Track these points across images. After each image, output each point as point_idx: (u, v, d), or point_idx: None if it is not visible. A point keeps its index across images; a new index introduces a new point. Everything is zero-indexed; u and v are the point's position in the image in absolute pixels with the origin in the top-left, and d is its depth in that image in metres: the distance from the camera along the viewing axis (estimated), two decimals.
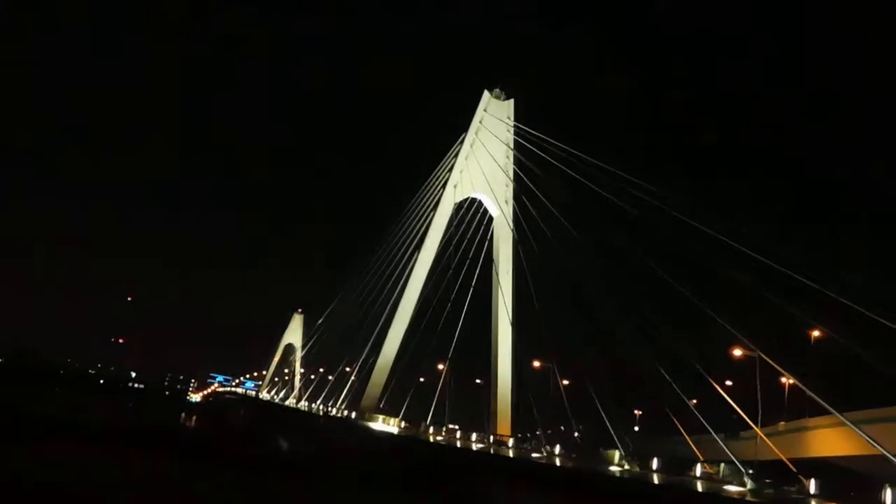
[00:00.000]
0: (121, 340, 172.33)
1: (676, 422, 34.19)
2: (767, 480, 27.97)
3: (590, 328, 42.68)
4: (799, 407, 37.02)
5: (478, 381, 57.58)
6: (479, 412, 54.37)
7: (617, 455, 32.51)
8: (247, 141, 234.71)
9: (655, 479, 28.87)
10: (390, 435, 48.08)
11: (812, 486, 24.65)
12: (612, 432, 34.44)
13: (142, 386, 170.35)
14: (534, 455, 36.80)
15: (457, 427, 52.16)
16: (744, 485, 25.57)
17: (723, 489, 25.78)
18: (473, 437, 44.73)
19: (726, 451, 28.66)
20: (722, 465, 28.21)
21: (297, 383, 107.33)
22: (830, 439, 32.96)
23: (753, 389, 36.87)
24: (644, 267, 36.03)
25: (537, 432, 44.75)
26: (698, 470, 28.76)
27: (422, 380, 60.14)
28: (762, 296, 30.70)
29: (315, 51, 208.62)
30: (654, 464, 31.01)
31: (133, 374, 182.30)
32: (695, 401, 47.09)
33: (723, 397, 37.09)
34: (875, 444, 23.64)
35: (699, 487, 26.91)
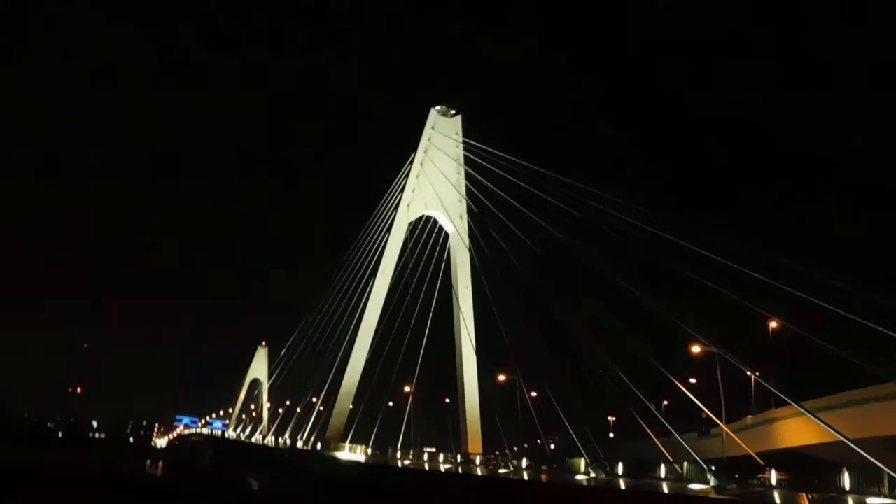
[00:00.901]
0: (78, 390, 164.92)
1: (645, 425, 33.92)
2: (736, 476, 27.87)
3: (552, 337, 42.45)
4: (768, 399, 37.43)
5: (447, 399, 56.62)
6: (449, 432, 53.44)
7: (583, 463, 32.34)
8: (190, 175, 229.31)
9: (622, 485, 28.55)
10: (357, 463, 46.88)
11: (773, 477, 24.68)
12: (577, 441, 34.02)
13: (103, 435, 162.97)
14: (500, 471, 36.19)
15: (434, 449, 50.99)
16: (707, 482, 25.45)
17: (686, 488, 25.65)
18: (441, 457, 43.69)
19: (689, 450, 28.47)
20: (685, 464, 28.03)
21: (265, 418, 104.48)
22: (796, 429, 33.24)
23: (723, 386, 37.09)
24: (601, 272, 36.05)
25: (506, 450, 43.99)
26: (662, 471, 28.57)
27: (391, 404, 59.07)
28: (721, 292, 30.71)
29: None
30: (620, 469, 30.90)
31: (94, 424, 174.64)
32: (666, 402, 47.39)
33: (702, 397, 37.33)
34: (832, 430, 23.79)
35: (664, 489, 26.69)
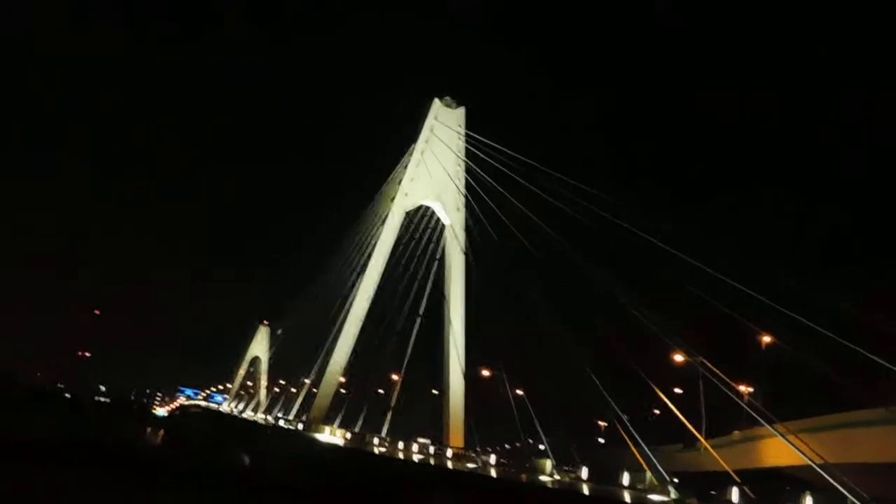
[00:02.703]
0: (87, 354, 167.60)
1: (625, 434, 33.38)
2: (712, 491, 27.46)
3: (541, 338, 42.00)
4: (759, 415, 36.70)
5: (434, 391, 56.47)
6: (438, 422, 53.39)
7: (548, 465, 32.32)
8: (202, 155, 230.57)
9: (585, 489, 28.43)
10: (334, 446, 47.18)
11: (734, 495, 24.34)
12: (546, 442, 33.92)
13: (108, 400, 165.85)
14: (468, 465, 36.30)
15: (427, 440, 51.01)
16: (667, 494, 25.11)
17: (646, 499, 25.36)
18: (415, 447, 43.78)
19: (655, 461, 28.03)
20: (648, 474, 27.67)
21: (262, 395, 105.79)
22: (780, 449, 32.49)
23: (711, 398, 36.44)
24: (592, 276, 35.59)
25: (488, 447, 43.88)
26: (625, 479, 28.30)
27: (381, 391, 59.22)
28: (715, 305, 30.04)
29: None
30: (584, 473, 30.80)
31: (103, 389, 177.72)
32: (657, 411, 46.76)
33: (684, 407, 36.69)
34: (799, 452, 23.27)
35: (625, 497, 26.41)
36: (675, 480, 25.87)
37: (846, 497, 20.61)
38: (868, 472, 28.35)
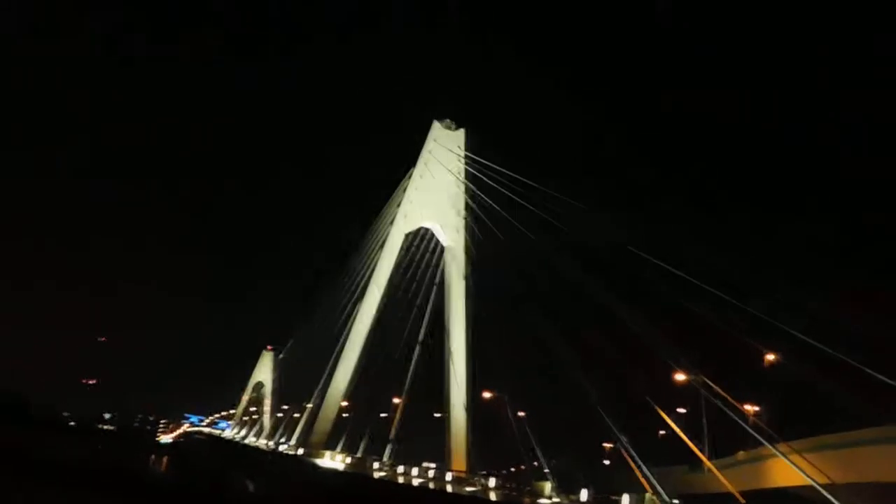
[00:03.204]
0: (91, 382, 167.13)
1: (626, 456, 32.98)
2: None
3: (548, 360, 41.68)
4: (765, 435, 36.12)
5: (437, 414, 55.93)
6: (440, 446, 52.81)
7: (548, 487, 31.99)
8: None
9: None
10: (334, 471, 46.85)
11: None
12: (545, 464, 33.51)
13: (112, 427, 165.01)
14: (467, 489, 36.02)
15: (435, 465, 50.45)
16: None
17: None
18: (415, 472, 43.31)
19: (654, 482, 27.65)
20: (648, 495, 27.28)
21: (266, 421, 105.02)
22: (785, 469, 31.98)
23: (720, 418, 36.00)
24: (595, 296, 35.47)
25: (484, 471, 43.32)
26: (625, 501, 27.92)
27: (383, 415, 58.74)
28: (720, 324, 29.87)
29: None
30: (584, 495, 30.46)
31: (107, 416, 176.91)
32: (662, 431, 46.12)
33: (692, 428, 36.26)
34: (800, 471, 22.86)
35: None
36: (676, 502, 25.43)
37: None
38: (877, 491, 27.84)
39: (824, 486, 25.53)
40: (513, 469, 55.89)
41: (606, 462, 63.52)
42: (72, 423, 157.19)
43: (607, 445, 66.28)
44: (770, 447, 26.35)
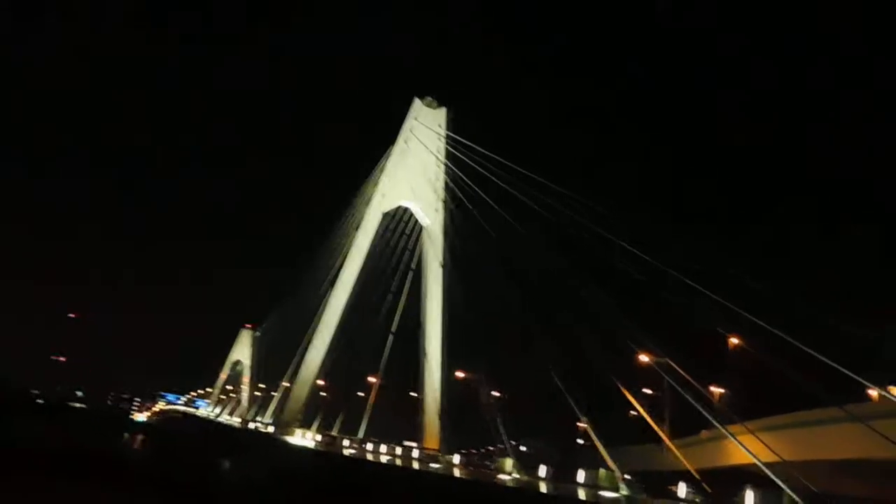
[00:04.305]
0: (61, 359, 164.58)
1: (592, 435, 33.78)
2: (671, 487, 28.04)
3: (522, 342, 42.20)
4: (730, 414, 37.29)
5: (413, 394, 56.51)
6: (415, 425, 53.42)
7: (509, 464, 32.86)
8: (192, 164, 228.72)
9: (542, 487, 28.98)
10: (304, 448, 47.24)
11: (681, 490, 25.08)
12: (506, 443, 34.36)
13: (84, 406, 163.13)
14: (432, 465, 36.77)
15: (414, 444, 51.00)
16: (617, 490, 25.83)
17: (598, 494, 26.03)
18: (384, 448, 43.93)
19: (609, 460, 28.71)
20: (601, 471, 28.27)
21: (244, 399, 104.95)
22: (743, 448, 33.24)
23: (684, 400, 36.97)
24: (570, 278, 35.90)
25: (457, 449, 44.15)
26: (581, 477, 28.91)
27: (361, 394, 59.14)
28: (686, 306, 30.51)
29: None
30: (542, 472, 31.51)
31: (79, 394, 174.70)
32: (633, 412, 47.26)
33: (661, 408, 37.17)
34: (747, 451, 24.02)
35: (581, 494, 26.92)
36: (627, 477, 26.56)
37: (783, 492, 21.34)
38: (829, 469, 29.05)
39: (779, 464, 26.65)
40: (483, 449, 56.94)
41: (581, 441, 65.06)
42: (40, 402, 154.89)
43: (581, 426, 67.86)
44: (720, 427, 27.43)
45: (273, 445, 49.23)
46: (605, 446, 35.12)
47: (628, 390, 31.95)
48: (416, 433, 50.17)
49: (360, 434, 51.70)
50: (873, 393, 27.17)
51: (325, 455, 43.65)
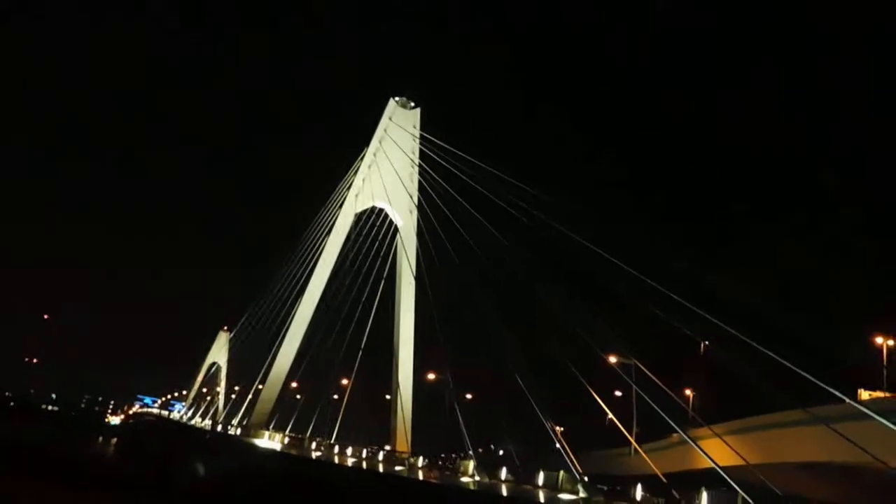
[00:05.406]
0: (34, 361, 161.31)
1: (557, 440, 33.57)
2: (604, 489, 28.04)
3: (495, 347, 41.85)
4: (703, 417, 37.33)
5: (388, 396, 55.97)
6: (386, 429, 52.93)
7: (471, 466, 32.88)
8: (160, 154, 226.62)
9: (503, 490, 28.86)
10: (272, 451, 46.79)
11: (638, 492, 25.17)
12: (469, 446, 34.30)
13: (55, 409, 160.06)
14: (397, 468, 36.62)
15: (389, 447, 50.44)
16: (576, 493, 25.79)
17: (556, 497, 25.99)
18: (349, 451, 43.56)
19: (570, 462, 28.71)
20: (561, 472, 28.23)
21: (220, 402, 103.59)
22: (710, 451, 33.25)
23: (659, 403, 36.96)
24: (540, 281, 35.79)
25: (429, 453, 43.92)
26: (540, 479, 28.87)
27: (335, 397, 58.52)
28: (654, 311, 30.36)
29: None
30: (503, 474, 31.50)
31: (53, 396, 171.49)
32: (610, 417, 47.39)
33: (642, 412, 37.10)
34: (705, 455, 24.23)
35: (540, 496, 26.86)
36: (586, 479, 26.54)
37: (738, 494, 21.50)
38: (792, 471, 29.13)
39: (744, 467, 26.70)
40: (453, 454, 56.70)
41: (558, 446, 65.01)
42: (12, 404, 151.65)
43: (559, 429, 67.85)
44: (680, 433, 27.48)
45: (237, 448, 48.60)
46: (578, 450, 35.15)
47: (602, 395, 31.87)
48: (389, 436, 49.69)
49: (333, 437, 51.11)
50: (842, 396, 27.31)
51: (289, 457, 43.22)
